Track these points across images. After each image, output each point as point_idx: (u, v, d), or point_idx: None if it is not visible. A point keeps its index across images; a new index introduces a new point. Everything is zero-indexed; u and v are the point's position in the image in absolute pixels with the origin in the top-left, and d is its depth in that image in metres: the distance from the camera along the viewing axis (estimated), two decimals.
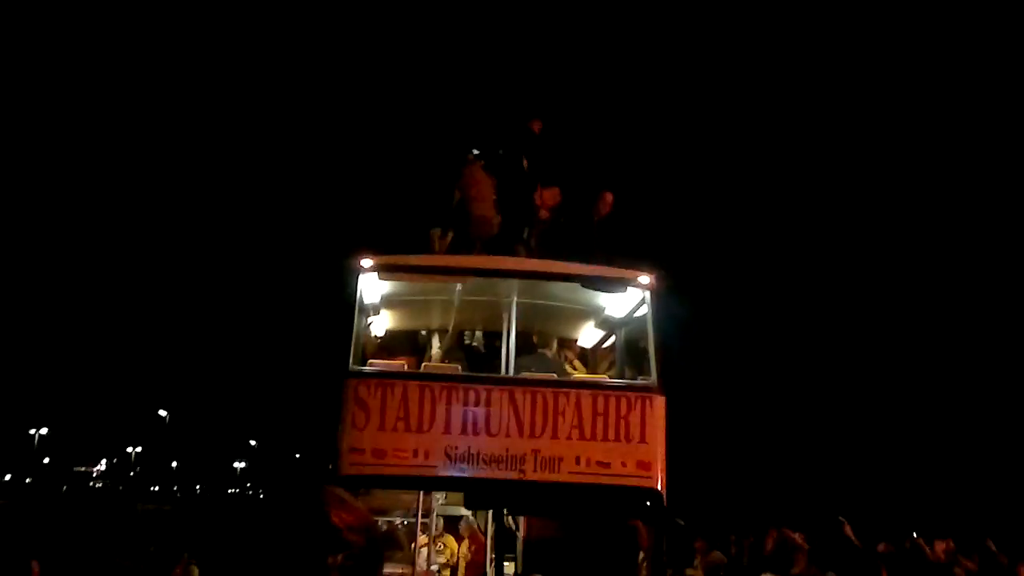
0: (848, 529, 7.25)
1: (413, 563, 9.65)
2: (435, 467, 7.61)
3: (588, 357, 10.42)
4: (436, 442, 7.65)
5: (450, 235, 9.76)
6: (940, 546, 10.72)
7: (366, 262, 8.39)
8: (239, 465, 77.67)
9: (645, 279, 8.60)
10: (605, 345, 10.44)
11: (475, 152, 9.75)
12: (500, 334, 9.06)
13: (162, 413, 70.66)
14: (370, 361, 8.71)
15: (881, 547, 10.13)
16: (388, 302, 9.59)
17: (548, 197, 10.02)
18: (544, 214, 10.07)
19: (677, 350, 9.68)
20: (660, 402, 8.04)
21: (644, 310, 8.75)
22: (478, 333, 9.93)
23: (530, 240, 9.76)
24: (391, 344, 10.28)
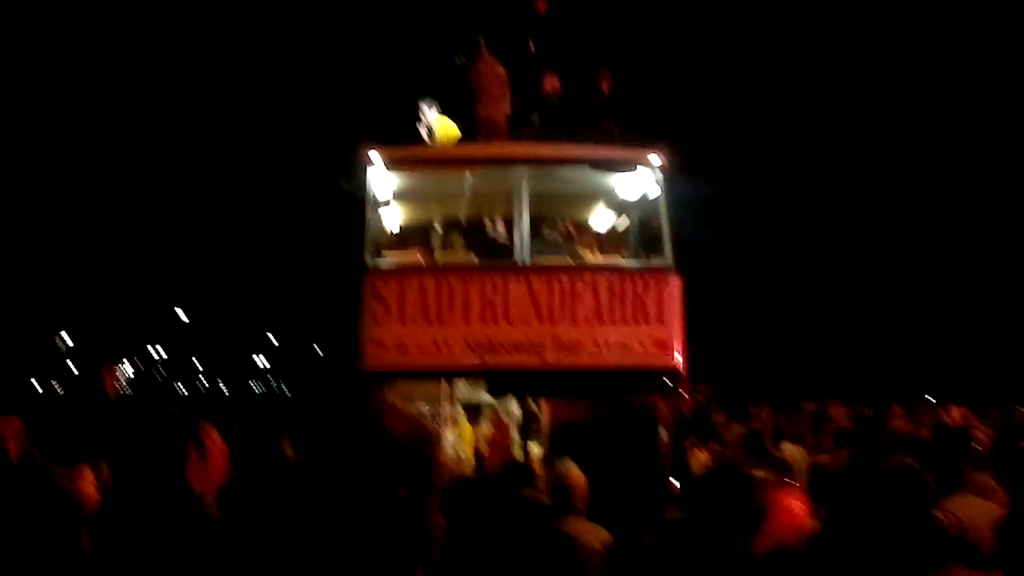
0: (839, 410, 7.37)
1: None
2: (456, 357, 7.72)
3: (603, 240, 10.40)
4: (456, 332, 7.74)
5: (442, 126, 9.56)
6: (956, 412, 10.90)
7: (374, 155, 8.32)
8: (260, 361, 78.98)
9: (656, 159, 8.51)
10: (620, 227, 10.41)
11: (484, 41, 9.45)
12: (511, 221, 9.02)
13: (180, 313, 71.50)
14: (386, 255, 8.73)
15: (898, 421, 10.28)
16: (398, 194, 9.53)
17: (549, 85, 9.78)
18: (550, 98, 9.87)
19: (692, 228, 9.64)
20: (676, 281, 8.08)
21: (656, 190, 8.70)
22: (491, 221, 9.85)
23: (538, 124, 9.60)
24: (404, 236, 10.29)
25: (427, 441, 1.55)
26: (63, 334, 64.46)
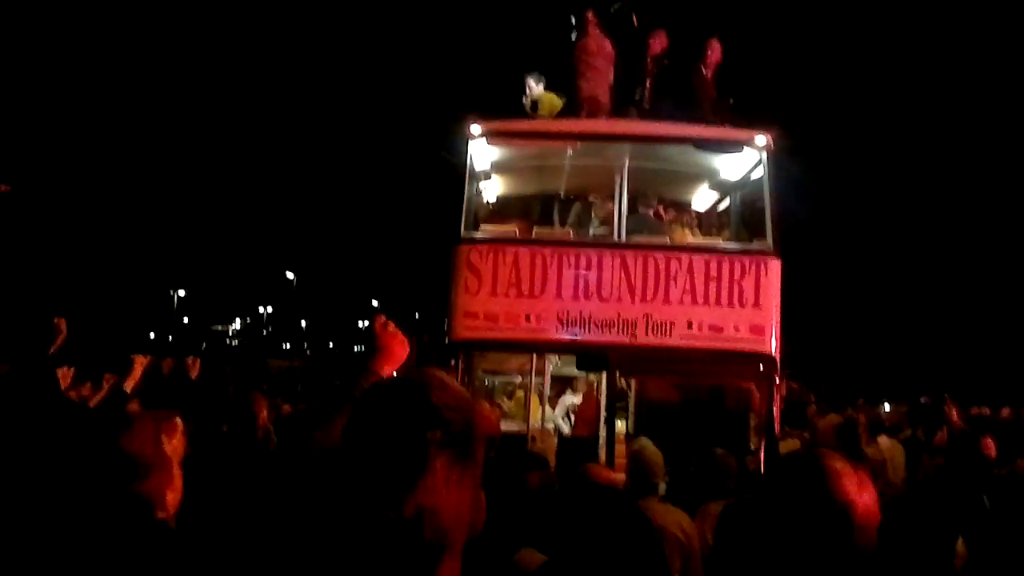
0: (954, 411, 7.06)
1: (527, 420, 9.97)
2: (547, 331, 7.71)
3: (702, 220, 10.23)
4: (548, 306, 7.73)
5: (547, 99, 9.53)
6: None
7: (475, 128, 8.34)
8: (363, 324, 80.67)
9: (762, 139, 8.30)
10: (720, 208, 10.22)
11: (593, 14, 9.33)
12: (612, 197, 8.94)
13: (289, 275, 73.50)
14: (482, 227, 8.77)
15: (1005, 412, 9.85)
16: (498, 167, 9.56)
17: (656, 45, 9.57)
18: (652, 67, 9.66)
19: (795, 213, 9.40)
20: (775, 266, 7.88)
21: (760, 172, 8.49)
22: (590, 197, 9.75)
23: (642, 101, 9.46)
24: (502, 209, 10.31)
25: (472, 416, 1.55)
26: (180, 291, 67.09)
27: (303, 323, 79.48)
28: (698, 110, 9.10)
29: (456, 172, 8.59)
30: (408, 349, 2.72)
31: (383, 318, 2.66)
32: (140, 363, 5.38)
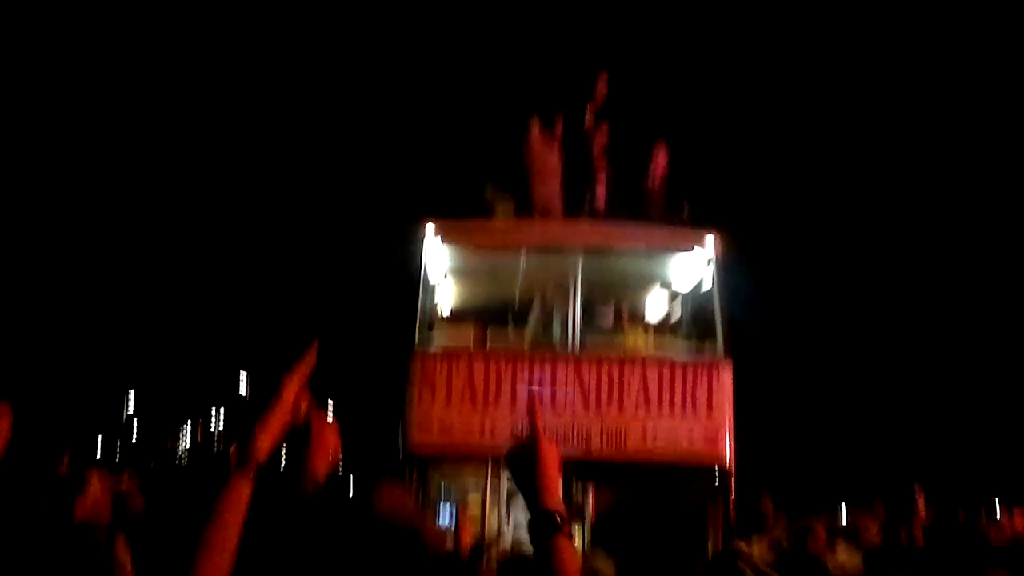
0: (922, 500, 7.06)
1: (483, 531, 9.75)
2: (501, 443, 7.62)
3: (654, 327, 10.28)
4: (502, 418, 7.66)
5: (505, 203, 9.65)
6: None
7: (431, 229, 8.39)
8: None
9: (710, 243, 8.45)
10: (672, 313, 10.30)
11: (538, 119, 9.55)
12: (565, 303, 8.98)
13: (243, 376, 72.57)
14: (437, 333, 8.73)
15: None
16: (453, 272, 9.58)
17: (600, 141, 9.79)
18: (601, 167, 9.85)
19: (744, 319, 9.50)
20: (727, 373, 7.93)
21: (710, 275, 8.61)
22: (543, 304, 9.79)
23: (594, 204, 9.60)
24: (458, 314, 10.29)
25: (414, 523, 1.58)
26: (130, 393, 65.83)
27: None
28: (648, 214, 9.24)
29: (410, 275, 8.59)
30: (339, 438, 2.64)
31: (313, 407, 2.56)
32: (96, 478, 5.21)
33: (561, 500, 1.78)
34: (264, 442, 1.93)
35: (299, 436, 2.48)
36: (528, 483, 1.80)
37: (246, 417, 2.05)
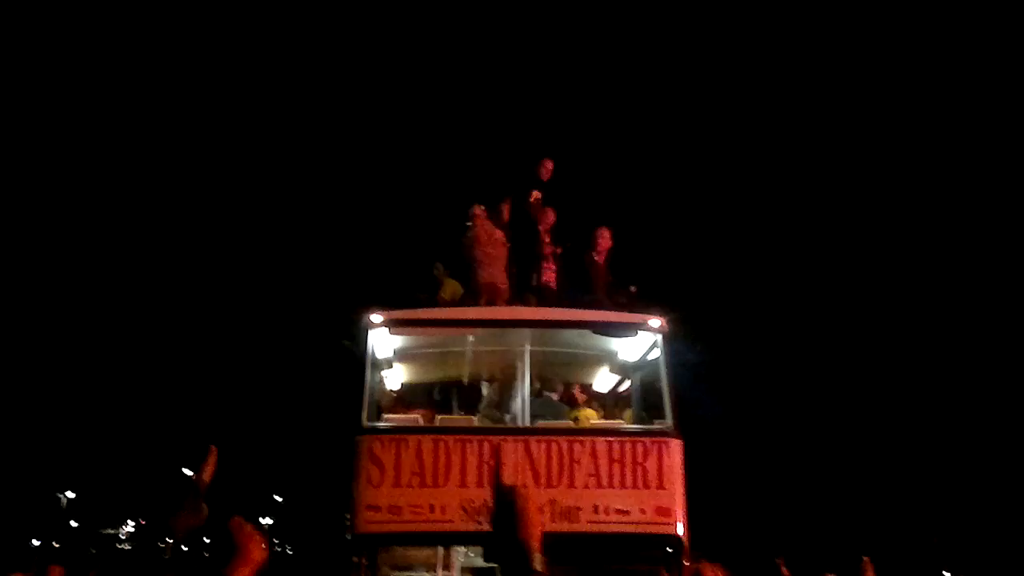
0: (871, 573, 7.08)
1: None
2: (452, 522, 7.54)
3: (605, 402, 10.34)
4: (452, 496, 7.59)
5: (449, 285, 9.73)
6: None
7: (376, 318, 8.41)
8: (266, 522, 77.44)
9: (656, 323, 8.56)
10: (621, 389, 10.36)
11: (480, 208, 9.71)
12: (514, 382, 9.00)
13: (187, 472, 70.64)
14: (385, 416, 8.68)
15: None
16: (400, 355, 9.57)
17: (547, 220, 9.96)
18: (547, 249, 10.00)
19: (693, 392, 9.60)
20: (677, 446, 7.97)
21: (657, 353, 8.71)
22: (492, 383, 9.81)
23: (539, 286, 9.72)
24: (405, 397, 10.24)
25: None
26: (67, 492, 63.62)
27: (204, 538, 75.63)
28: (594, 295, 9.37)
29: (357, 361, 8.56)
30: (266, 551, 2.60)
31: (239, 519, 2.54)
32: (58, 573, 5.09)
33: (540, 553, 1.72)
34: None
35: (224, 548, 2.44)
36: (513, 539, 1.71)
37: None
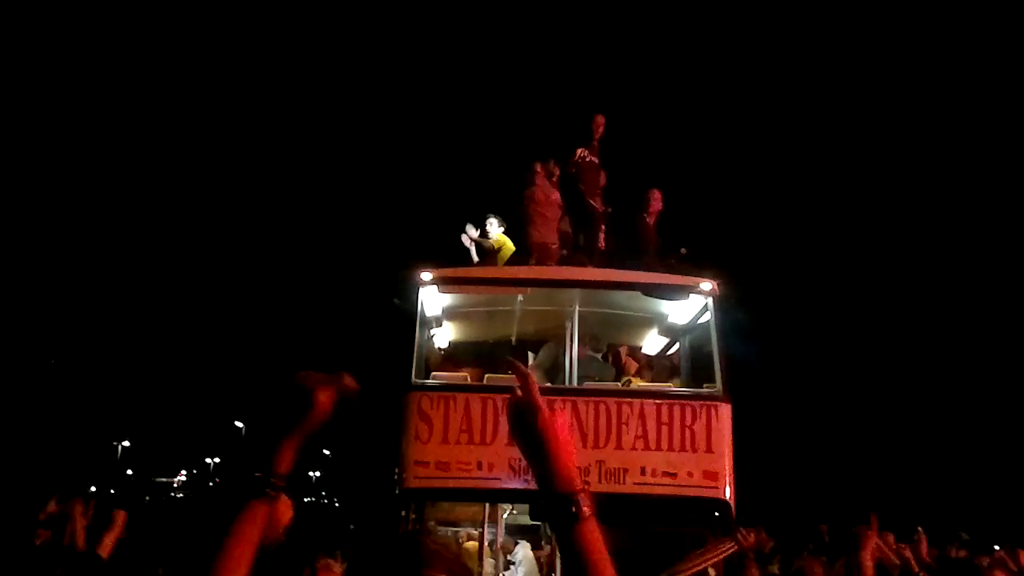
0: (924, 541, 6.96)
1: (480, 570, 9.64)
2: (499, 479, 7.58)
3: (653, 364, 10.29)
4: (500, 454, 7.62)
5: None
6: None
7: (426, 275, 8.42)
8: (314, 474, 78.86)
9: (707, 285, 8.47)
10: (670, 352, 10.31)
11: (541, 165, 9.65)
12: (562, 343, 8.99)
13: (239, 424, 72.08)
14: (434, 374, 8.73)
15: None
16: (449, 313, 9.60)
17: (598, 179, 9.86)
18: (600, 214, 9.92)
19: (743, 356, 9.51)
20: (726, 410, 7.92)
21: (707, 316, 8.63)
22: (541, 343, 9.80)
23: (591, 248, 9.67)
24: (454, 355, 10.29)
25: None
26: (124, 443, 65.29)
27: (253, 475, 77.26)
28: (644, 256, 9.30)
29: (407, 319, 8.60)
30: (292, 508, 2.61)
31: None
32: (122, 517, 5.23)
33: (579, 478, 1.59)
34: (289, 455, 1.88)
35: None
36: (535, 454, 1.59)
37: (270, 431, 1.99)
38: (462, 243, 9.96)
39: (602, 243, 10.00)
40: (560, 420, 1.58)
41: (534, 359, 9.72)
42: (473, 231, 9.75)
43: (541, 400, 1.62)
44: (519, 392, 1.68)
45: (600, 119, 10.24)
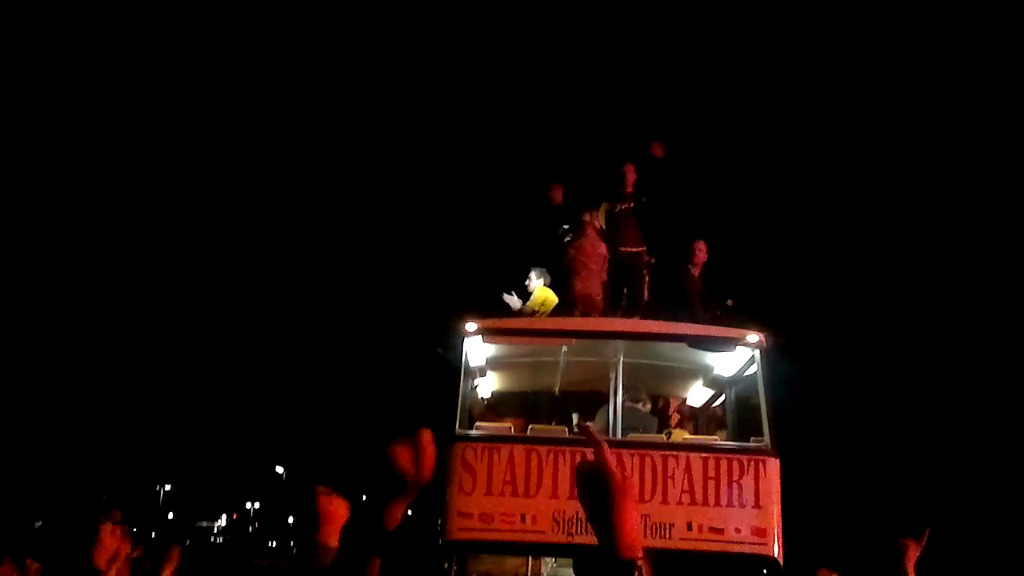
0: None
1: None
2: (543, 532, 7.52)
3: (697, 417, 10.19)
4: (543, 507, 7.57)
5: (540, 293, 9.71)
6: None
7: (471, 326, 8.44)
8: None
9: (755, 338, 8.39)
10: (714, 404, 10.20)
11: (588, 214, 9.66)
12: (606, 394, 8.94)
13: (279, 470, 72.33)
14: (477, 424, 8.72)
15: None
16: (493, 363, 9.60)
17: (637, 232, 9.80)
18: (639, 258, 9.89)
19: (790, 409, 9.38)
20: (774, 465, 7.80)
21: (754, 369, 8.54)
22: (585, 394, 9.76)
23: (635, 297, 9.65)
24: (498, 405, 10.28)
25: None
26: (167, 486, 65.79)
27: (290, 520, 77.48)
28: (690, 308, 9.25)
29: (451, 368, 8.62)
30: (348, 507, 2.63)
31: (318, 487, 2.59)
32: (177, 551, 5.28)
33: (641, 547, 1.61)
34: (397, 514, 1.92)
35: (309, 517, 2.51)
36: (601, 518, 1.62)
37: (375, 490, 2.04)
38: (504, 295, 9.96)
39: (646, 294, 9.96)
40: (631, 489, 1.60)
41: (577, 407, 9.69)
42: (515, 300, 9.77)
43: (615, 467, 1.64)
44: (591, 457, 1.70)
45: (630, 167, 10.20)
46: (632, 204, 10.06)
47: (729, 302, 9.61)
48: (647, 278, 10.04)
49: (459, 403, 8.21)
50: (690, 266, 9.69)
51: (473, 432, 8.25)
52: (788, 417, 9.08)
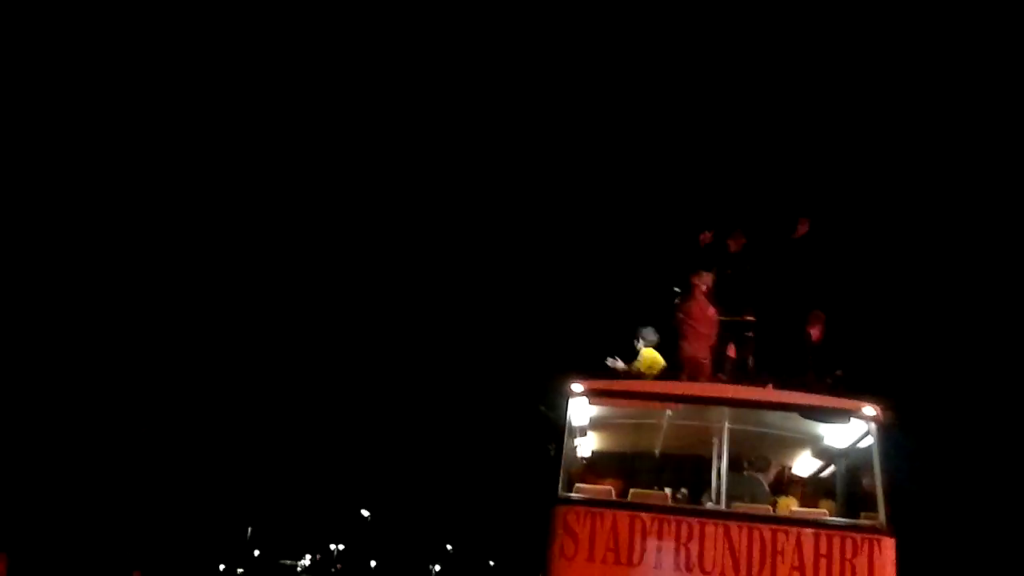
0: None
1: None
2: None
3: (806, 489, 9.85)
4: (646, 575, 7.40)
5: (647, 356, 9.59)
6: None
7: (577, 387, 8.37)
8: (435, 568, 78.56)
9: (871, 411, 8.09)
10: (825, 477, 9.86)
11: (700, 277, 9.56)
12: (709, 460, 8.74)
13: (365, 513, 72.79)
14: (577, 485, 8.60)
15: None
16: (595, 424, 9.48)
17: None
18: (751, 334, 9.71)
19: (904, 485, 9.00)
20: (890, 545, 7.48)
21: (868, 442, 8.23)
22: (689, 460, 9.55)
23: (744, 365, 9.44)
24: (597, 465, 10.13)
25: None
26: (249, 529, 66.83)
27: (372, 563, 77.77)
28: (803, 378, 9.00)
29: (554, 428, 8.55)
30: None
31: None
32: None
33: None
34: None
35: None
36: None
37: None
38: (608, 359, 9.88)
39: (751, 360, 9.74)
40: None
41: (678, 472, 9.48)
42: (619, 364, 9.69)
43: None
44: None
45: (738, 233, 10.11)
46: (739, 269, 9.93)
47: (838, 372, 9.33)
48: (753, 344, 9.83)
49: (562, 464, 8.12)
50: (806, 336, 9.45)
51: (575, 495, 8.13)
52: (902, 493, 8.73)
